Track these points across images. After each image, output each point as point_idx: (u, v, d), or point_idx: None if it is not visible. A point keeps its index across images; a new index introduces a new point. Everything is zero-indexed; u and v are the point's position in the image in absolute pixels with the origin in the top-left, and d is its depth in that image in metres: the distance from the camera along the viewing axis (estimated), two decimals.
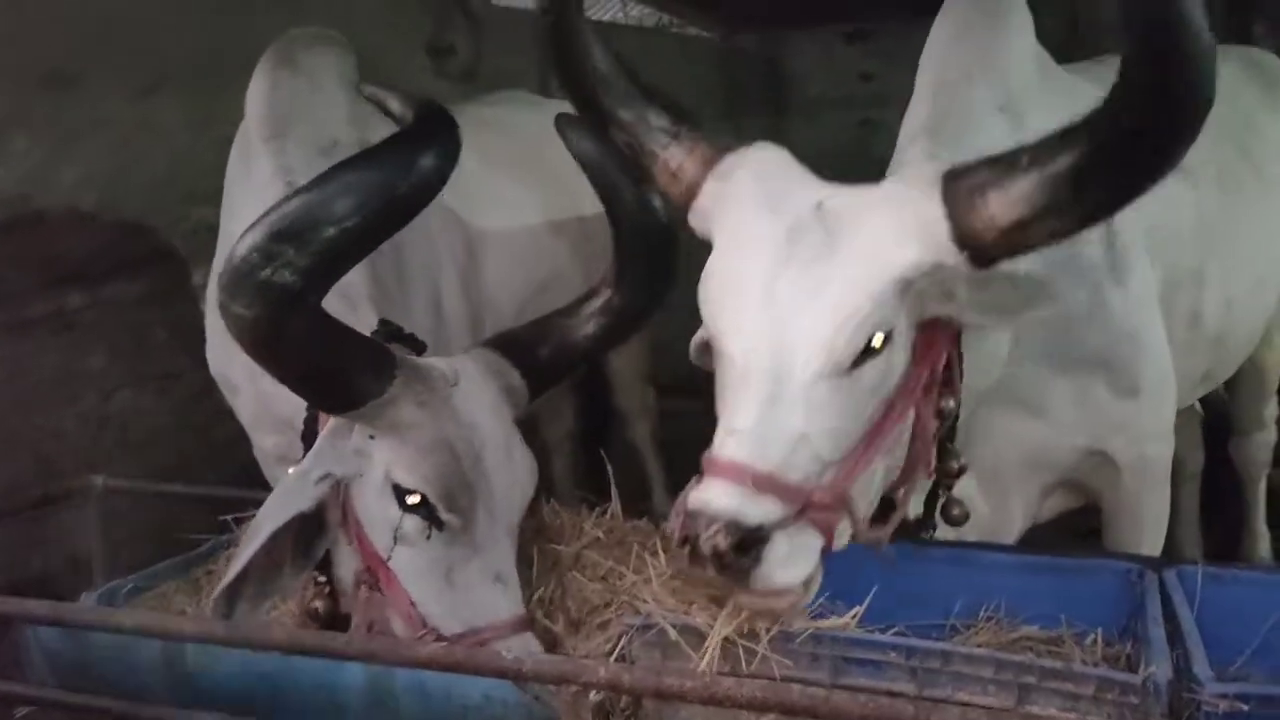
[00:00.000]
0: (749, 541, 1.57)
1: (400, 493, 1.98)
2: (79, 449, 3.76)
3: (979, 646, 1.92)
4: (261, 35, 2.89)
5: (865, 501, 1.78)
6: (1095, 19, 8.10)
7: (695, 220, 1.87)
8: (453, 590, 1.99)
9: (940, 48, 2.32)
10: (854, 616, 1.84)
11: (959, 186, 1.66)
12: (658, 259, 2.23)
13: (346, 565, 2.08)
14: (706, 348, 1.89)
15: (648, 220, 2.18)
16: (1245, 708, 1.56)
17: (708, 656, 1.76)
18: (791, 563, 1.63)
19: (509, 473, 2.08)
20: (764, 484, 1.59)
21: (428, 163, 1.89)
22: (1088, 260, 2.27)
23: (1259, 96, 3.37)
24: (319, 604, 2.13)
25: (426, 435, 1.97)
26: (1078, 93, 2.55)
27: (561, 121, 2.25)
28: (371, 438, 2.00)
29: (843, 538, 1.73)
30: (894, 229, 1.69)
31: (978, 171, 1.66)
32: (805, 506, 1.63)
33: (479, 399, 2.07)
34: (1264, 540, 3.86)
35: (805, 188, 1.81)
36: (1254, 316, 3.11)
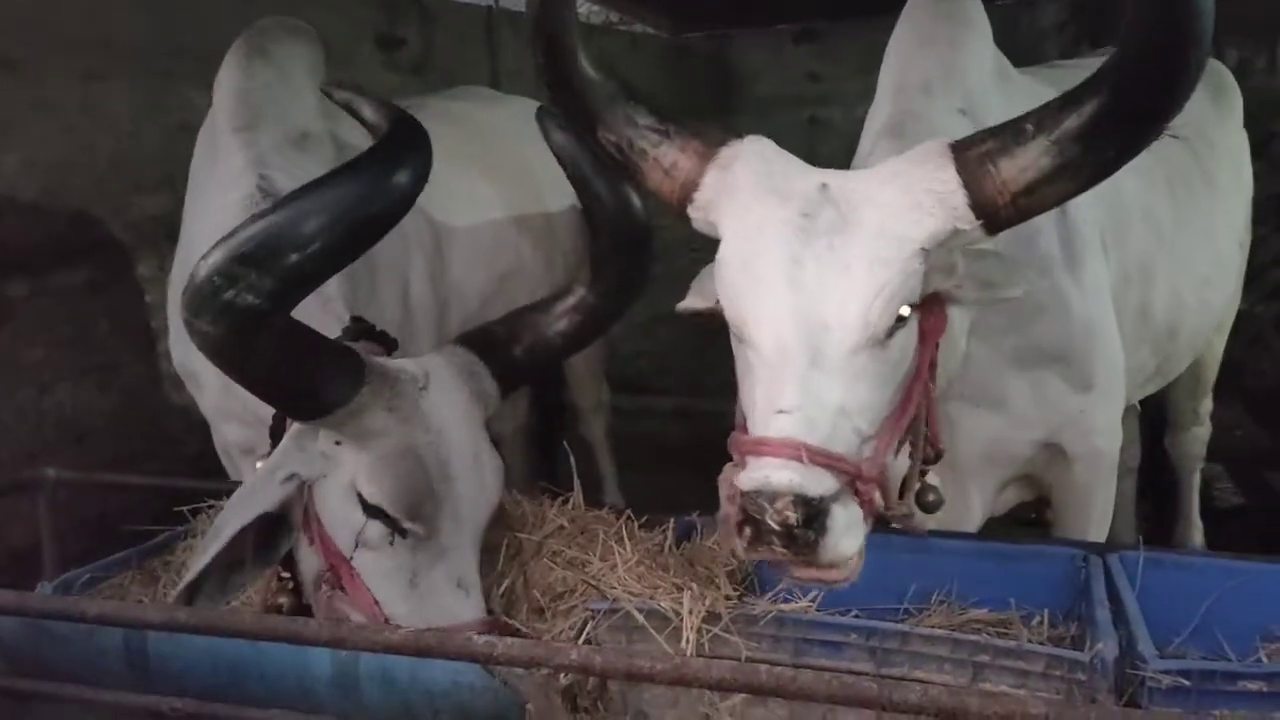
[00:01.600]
0: (812, 514, 1.60)
1: (365, 499, 1.97)
2: (17, 441, 3.68)
3: (932, 628, 1.98)
4: (211, 23, 2.87)
5: (895, 478, 1.84)
6: (1036, 25, 8.34)
7: (696, 213, 1.89)
8: (416, 594, 1.98)
9: (902, 52, 2.38)
10: (814, 600, 1.89)
11: (969, 156, 1.71)
12: (635, 257, 2.23)
13: (308, 564, 2.08)
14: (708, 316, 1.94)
15: (626, 217, 2.18)
16: (1187, 683, 1.65)
17: (685, 639, 1.80)
18: (851, 532, 1.66)
19: (475, 479, 2.07)
20: (818, 457, 1.62)
21: (400, 180, 1.87)
22: (1045, 254, 2.35)
23: (1207, 103, 3.50)
24: (283, 600, 2.11)
25: (392, 443, 1.96)
26: (1034, 95, 2.65)
27: (542, 117, 2.24)
28: (338, 443, 1.99)
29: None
30: (909, 201, 1.74)
31: (985, 141, 1.72)
32: (854, 479, 1.67)
33: (449, 403, 2.06)
34: (1198, 530, 4.01)
35: (806, 172, 1.85)
36: (1202, 315, 3.23)
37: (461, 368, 2.13)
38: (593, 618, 1.95)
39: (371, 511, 1.96)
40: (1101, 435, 2.56)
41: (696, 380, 7.01)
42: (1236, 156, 3.57)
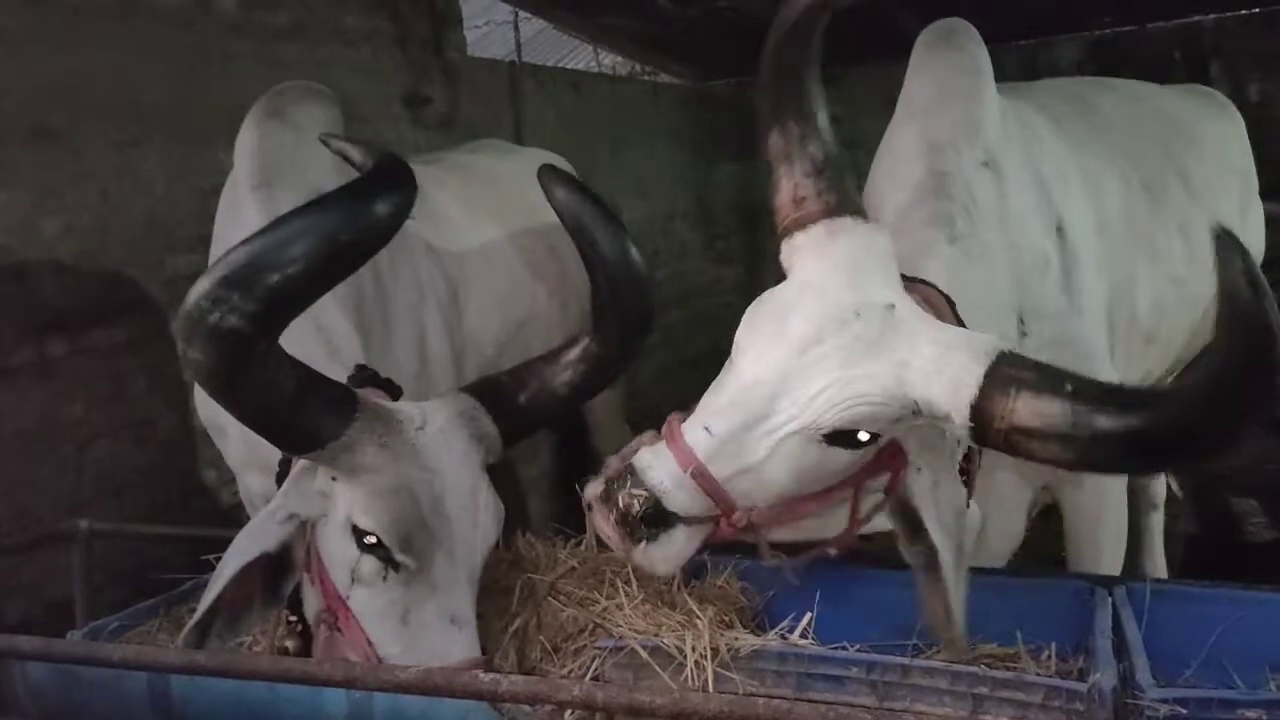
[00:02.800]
0: (657, 518, 1.72)
1: (359, 533, 2.02)
2: (57, 497, 3.78)
3: (932, 661, 1.99)
4: (239, 88, 2.99)
5: (777, 533, 1.92)
6: (1055, 64, 8.41)
7: (785, 248, 1.98)
8: (408, 631, 2.03)
9: (926, 106, 2.46)
10: (809, 622, 1.99)
11: (1002, 371, 1.75)
12: (636, 308, 2.27)
13: (311, 604, 2.13)
14: None
15: (626, 269, 2.23)
16: (1184, 711, 1.66)
17: (686, 674, 1.84)
18: (675, 555, 1.78)
19: (471, 518, 2.11)
20: (703, 480, 1.73)
21: (379, 210, 1.94)
22: (1052, 293, 2.42)
23: (1192, 103, 3.56)
24: (290, 643, 2.18)
25: (386, 478, 2.01)
26: (1031, 128, 2.72)
27: (543, 174, 2.29)
28: (334, 479, 2.05)
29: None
30: (935, 364, 1.79)
31: (1028, 370, 1.75)
32: (721, 517, 1.76)
33: (446, 444, 2.11)
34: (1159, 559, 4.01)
35: (889, 285, 1.92)
36: (1181, 312, 3.25)
37: (461, 412, 2.17)
38: (599, 655, 1.98)
39: (364, 545, 2.01)
40: None
41: None
42: (1224, 157, 3.61)
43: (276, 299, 1.81)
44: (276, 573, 2.06)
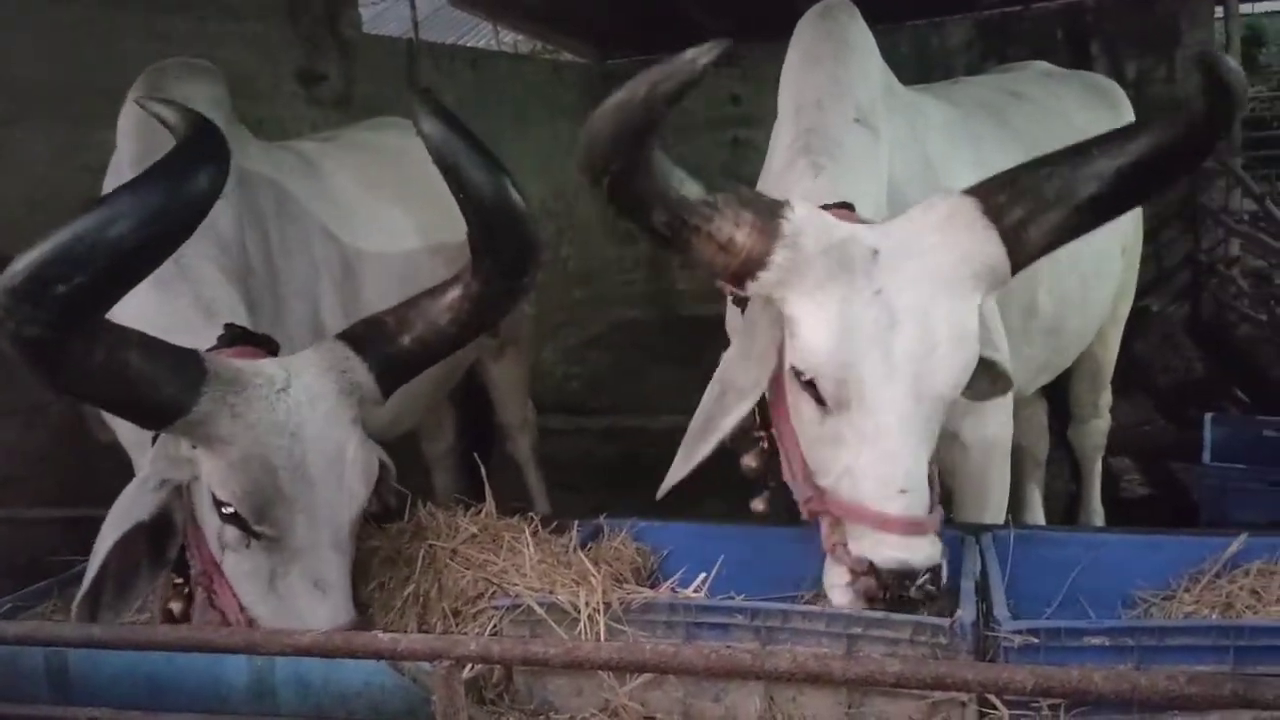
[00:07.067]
0: (938, 573, 1.89)
1: (218, 503, 2.00)
2: None
3: (809, 606, 2.11)
4: (126, 65, 2.92)
5: None
6: (945, 44, 8.69)
7: (758, 289, 1.95)
8: (275, 596, 2.02)
9: (794, 73, 2.55)
10: (704, 581, 2.02)
11: (1006, 225, 1.90)
12: (515, 245, 2.15)
13: (195, 567, 2.11)
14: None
15: (502, 204, 2.10)
16: (1036, 640, 1.80)
17: (580, 628, 1.91)
18: None
19: (337, 481, 2.06)
20: (932, 527, 1.90)
21: (193, 188, 1.84)
22: None
23: (1102, 115, 3.73)
24: (175, 605, 2.14)
25: (239, 450, 1.95)
26: (919, 105, 2.84)
27: (417, 101, 2.11)
28: (194, 447, 2.00)
29: None
30: (969, 273, 1.92)
31: (1013, 207, 1.90)
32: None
33: (310, 404, 2.04)
34: (1098, 516, 4.21)
35: (854, 236, 1.94)
36: (1086, 310, 3.42)
37: (331, 365, 2.10)
38: (497, 614, 2.04)
39: (224, 515, 1.99)
40: (994, 424, 2.73)
41: (625, 400, 7.18)
42: None
43: (71, 305, 1.71)
44: (160, 536, 2.04)
